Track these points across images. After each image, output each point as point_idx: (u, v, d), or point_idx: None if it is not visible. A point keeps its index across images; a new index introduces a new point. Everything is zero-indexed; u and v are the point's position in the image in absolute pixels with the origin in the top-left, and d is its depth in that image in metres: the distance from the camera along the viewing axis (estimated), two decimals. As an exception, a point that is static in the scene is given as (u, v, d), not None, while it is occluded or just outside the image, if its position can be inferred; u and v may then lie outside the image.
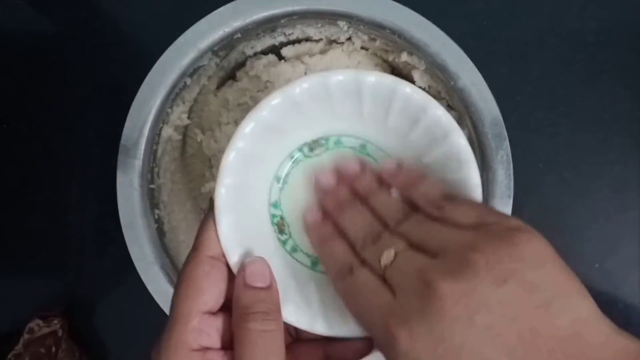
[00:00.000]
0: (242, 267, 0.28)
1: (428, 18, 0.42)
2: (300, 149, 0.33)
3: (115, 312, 0.52)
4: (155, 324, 0.51)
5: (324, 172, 0.32)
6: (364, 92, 0.30)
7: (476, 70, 0.41)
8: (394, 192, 0.30)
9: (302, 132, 0.32)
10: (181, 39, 0.42)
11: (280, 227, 0.33)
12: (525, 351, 0.22)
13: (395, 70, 0.48)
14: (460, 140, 0.30)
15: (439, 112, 0.30)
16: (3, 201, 0.53)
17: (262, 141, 0.30)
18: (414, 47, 0.42)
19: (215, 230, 0.29)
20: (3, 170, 0.53)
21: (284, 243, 0.33)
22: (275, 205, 0.33)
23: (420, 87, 0.45)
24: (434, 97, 0.45)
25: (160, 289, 0.41)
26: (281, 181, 0.33)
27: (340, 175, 0.32)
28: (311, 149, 0.33)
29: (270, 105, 0.29)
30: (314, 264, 0.33)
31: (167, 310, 0.42)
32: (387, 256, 0.26)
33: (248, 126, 0.29)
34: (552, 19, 0.52)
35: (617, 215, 0.51)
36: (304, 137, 0.33)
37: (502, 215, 0.26)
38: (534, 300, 0.22)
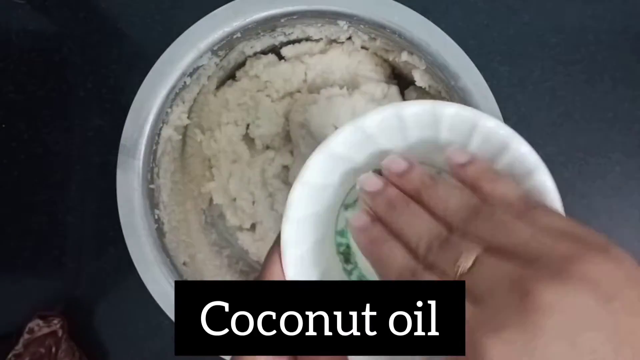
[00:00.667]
0: None
1: (428, 17, 0.42)
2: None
3: (115, 312, 0.52)
4: (155, 324, 0.51)
5: (369, 175, 0.28)
6: (442, 124, 0.28)
7: (476, 70, 0.41)
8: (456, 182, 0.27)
9: (373, 160, 0.31)
10: (181, 39, 0.42)
11: (346, 256, 0.32)
12: None
13: (396, 70, 0.48)
14: (545, 179, 0.29)
15: (523, 149, 0.29)
16: (3, 201, 0.53)
17: (331, 172, 0.29)
18: (415, 46, 0.42)
19: (280, 264, 0.28)
20: (3, 170, 0.53)
21: (349, 273, 0.32)
22: (341, 233, 0.32)
23: (420, 87, 0.45)
24: (434, 96, 0.45)
25: (160, 289, 0.41)
26: (349, 208, 0.32)
27: (388, 175, 0.28)
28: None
29: (341, 138, 0.28)
30: None
31: (167, 310, 0.42)
32: (465, 261, 0.23)
33: (317, 159, 0.28)
34: (553, 18, 0.52)
35: (619, 215, 0.51)
36: (375, 164, 0.30)
37: (590, 229, 0.24)
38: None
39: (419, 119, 0.28)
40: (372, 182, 0.28)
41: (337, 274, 0.31)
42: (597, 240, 0.22)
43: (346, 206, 0.32)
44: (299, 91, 0.46)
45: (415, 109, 0.28)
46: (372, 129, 0.28)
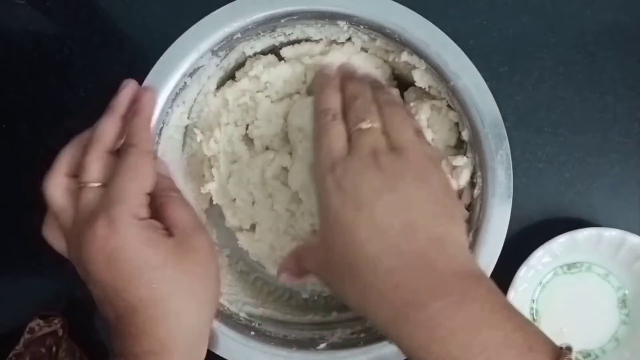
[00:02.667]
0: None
1: (428, 18, 0.42)
2: (561, 267, 0.50)
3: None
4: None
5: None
6: (602, 241, 0.48)
7: (476, 70, 0.41)
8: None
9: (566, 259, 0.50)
10: (181, 39, 0.42)
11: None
12: (407, 234, 0.33)
13: (396, 71, 0.48)
14: None
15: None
16: (3, 201, 0.53)
17: None
18: (414, 47, 0.42)
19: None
20: (4, 170, 0.53)
21: None
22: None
23: (420, 88, 0.45)
24: (434, 97, 0.45)
25: (160, 289, 0.41)
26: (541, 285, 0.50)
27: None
28: (569, 268, 0.50)
29: (536, 257, 0.47)
30: None
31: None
32: (365, 124, 0.37)
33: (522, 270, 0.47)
34: (553, 18, 0.52)
35: (618, 215, 0.51)
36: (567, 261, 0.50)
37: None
38: (430, 207, 0.34)
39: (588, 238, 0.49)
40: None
41: None
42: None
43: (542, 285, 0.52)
44: (298, 92, 0.47)
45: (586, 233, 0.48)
46: (557, 249, 0.49)
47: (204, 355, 0.38)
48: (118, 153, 0.39)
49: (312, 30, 0.45)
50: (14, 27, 0.54)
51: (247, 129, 0.47)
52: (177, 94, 0.44)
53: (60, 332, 0.49)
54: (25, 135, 0.53)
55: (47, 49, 0.53)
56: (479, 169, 0.42)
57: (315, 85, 0.43)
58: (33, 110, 0.53)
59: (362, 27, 0.43)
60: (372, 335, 0.42)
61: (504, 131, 0.41)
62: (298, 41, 0.47)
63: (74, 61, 0.53)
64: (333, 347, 0.42)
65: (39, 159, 0.53)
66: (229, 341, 0.42)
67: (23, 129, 0.53)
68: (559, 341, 0.49)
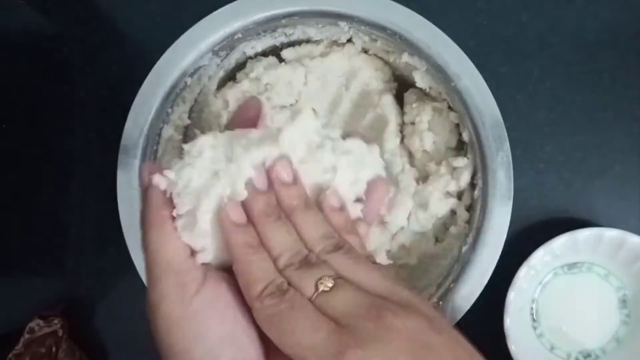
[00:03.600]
0: None
1: (428, 18, 0.42)
2: (562, 267, 0.50)
3: (116, 312, 0.52)
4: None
5: (260, 173, 0.30)
6: (602, 242, 0.47)
7: (476, 71, 0.41)
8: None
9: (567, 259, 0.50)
10: (182, 39, 0.42)
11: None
12: None
13: (396, 72, 0.48)
14: None
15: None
16: (3, 201, 0.53)
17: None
18: (415, 48, 0.42)
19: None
20: (3, 171, 0.53)
21: None
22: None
23: (421, 89, 0.45)
24: (435, 98, 0.45)
25: (160, 290, 0.41)
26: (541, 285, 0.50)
27: (273, 178, 0.31)
28: (569, 268, 0.50)
29: (536, 257, 0.46)
30: None
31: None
32: (327, 282, 0.27)
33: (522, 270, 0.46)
34: (553, 18, 0.52)
35: (618, 215, 0.51)
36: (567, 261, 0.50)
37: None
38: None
39: (588, 238, 0.48)
40: (261, 181, 0.30)
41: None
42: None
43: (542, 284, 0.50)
44: (297, 100, 0.47)
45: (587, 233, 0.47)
46: (558, 250, 0.48)
47: None
48: None
49: (313, 31, 0.45)
50: (14, 27, 0.54)
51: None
52: (177, 94, 0.44)
53: (60, 333, 0.49)
54: (25, 135, 0.53)
55: (47, 48, 0.53)
56: (480, 170, 0.42)
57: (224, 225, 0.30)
58: (33, 110, 0.53)
59: (363, 27, 0.43)
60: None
61: (505, 133, 0.41)
62: (299, 42, 0.47)
63: (74, 61, 0.53)
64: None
65: (39, 159, 0.53)
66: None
67: (23, 129, 0.53)
68: (559, 341, 0.50)
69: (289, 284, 0.28)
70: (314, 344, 0.25)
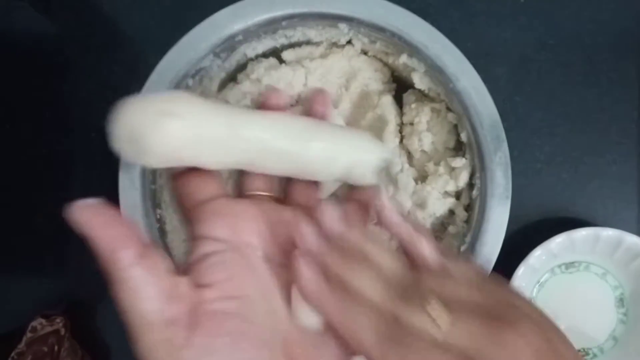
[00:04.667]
0: None
1: (427, 20, 0.42)
2: (559, 266, 0.50)
3: (118, 311, 0.52)
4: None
5: (307, 229, 0.28)
6: (600, 241, 0.47)
7: (475, 72, 0.41)
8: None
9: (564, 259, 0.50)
10: (183, 41, 0.42)
11: None
12: None
13: (395, 73, 0.48)
14: None
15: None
16: (4, 201, 0.53)
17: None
18: (414, 49, 0.42)
19: None
20: (5, 171, 0.53)
21: None
22: None
23: (419, 90, 0.45)
24: (433, 99, 0.46)
25: (162, 289, 0.41)
26: (539, 285, 0.50)
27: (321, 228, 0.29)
28: (567, 268, 0.50)
29: (534, 256, 0.47)
30: None
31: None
32: (444, 319, 0.25)
33: (520, 270, 0.47)
34: (551, 20, 0.52)
35: (616, 215, 0.51)
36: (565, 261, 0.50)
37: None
38: None
39: (585, 238, 0.48)
40: (312, 238, 0.28)
41: None
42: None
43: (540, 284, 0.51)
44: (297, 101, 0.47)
45: (584, 232, 0.47)
46: (555, 249, 0.48)
47: None
48: None
49: (313, 33, 0.46)
50: (15, 29, 0.54)
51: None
52: (178, 95, 0.44)
53: (63, 332, 0.49)
54: (26, 135, 0.53)
55: (49, 50, 0.54)
56: (478, 170, 0.42)
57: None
58: (34, 111, 0.53)
59: (362, 29, 0.43)
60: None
61: (503, 133, 0.41)
62: (299, 43, 0.47)
63: (75, 62, 0.53)
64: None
65: (40, 160, 0.53)
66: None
67: (25, 130, 0.53)
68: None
69: (397, 319, 0.25)
70: None
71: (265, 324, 0.27)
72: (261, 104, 0.33)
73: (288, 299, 0.28)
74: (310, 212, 0.31)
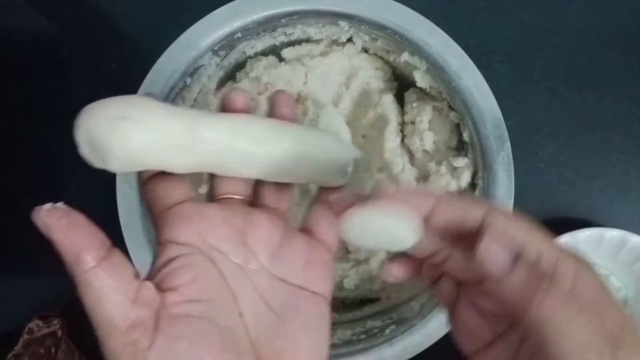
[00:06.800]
0: None
1: (429, 18, 0.42)
2: None
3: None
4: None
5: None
6: (604, 242, 0.47)
7: (477, 70, 0.41)
8: None
9: None
10: (181, 39, 0.42)
11: None
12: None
13: (397, 71, 0.48)
14: None
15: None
16: (3, 201, 0.53)
17: None
18: (415, 47, 0.42)
19: None
20: (3, 170, 0.53)
21: None
22: None
23: (421, 88, 0.45)
24: (435, 98, 0.45)
25: (160, 290, 0.41)
26: None
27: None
28: None
29: None
30: None
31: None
32: None
33: None
34: (553, 18, 0.52)
35: (619, 215, 0.51)
36: None
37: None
38: None
39: (589, 238, 0.48)
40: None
41: None
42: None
43: None
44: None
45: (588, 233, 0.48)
46: None
47: None
48: None
49: (313, 30, 0.45)
50: (13, 27, 0.54)
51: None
52: (177, 93, 0.44)
53: (60, 333, 0.49)
54: (24, 134, 0.53)
55: (47, 48, 0.53)
56: (481, 170, 0.41)
57: None
58: (33, 109, 0.53)
59: (363, 27, 0.43)
60: (371, 337, 0.42)
61: (506, 132, 0.40)
62: (299, 41, 0.47)
63: (73, 60, 0.53)
64: (333, 348, 0.42)
65: (38, 159, 0.53)
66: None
67: (22, 129, 0.53)
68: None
69: None
70: None
71: (234, 327, 0.28)
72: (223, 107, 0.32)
73: (257, 302, 0.29)
74: (280, 214, 0.32)
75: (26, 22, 0.54)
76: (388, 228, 0.27)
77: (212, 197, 0.32)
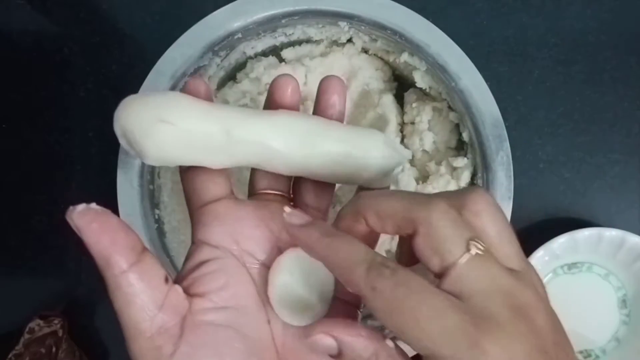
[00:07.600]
0: None
1: (428, 18, 0.42)
2: (562, 267, 0.50)
3: (116, 312, 0.52)
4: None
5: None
6: (602, 242, 0.47)
7: (477, 71, 0.41)
8: None
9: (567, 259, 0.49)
10: (182, 39, 0.42)
11: None
12: None
13: (396, 71, 0.48)
14: None
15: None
16: (3, 201, 0.53)
17: None
18: (415, 47, 0.42)
19: None
20: (3, 170, 0.53)
21: None
22: None
23: (421, 88, 0.45)
24: (435, 98, 0.45)
25: (160, 290, 0.41)
26: None
27: None
28: (570, 268, 0.50)
29: (536, 257, 0.47)
30: None
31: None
32: (478, 247, 0.23)
33: None
34: (553, 18, 0.52)
35: (618, 215, 0.51)
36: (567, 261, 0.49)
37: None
38: None
39: (588, 238, 0.47)
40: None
41: None
42: None
43: None
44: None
45: (587, 233, 0.47)
46: (558, 250, 0.48)
47: None
48: None
49: (313, 31, 0.45)
50: (14, 27, 0.54)
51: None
52: (177, 94, 0.44)
53: (60, 333, 0.49)
54: (25, 135, 0.53)
55: (47, 48, 0.53)
56: (480, 170, 0.42)
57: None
58: (33, 110, 0.53)
59: (363, 27, 0.43)
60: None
61: (505, 132, 0.41)
62: (299, 42, 0.47)
63: (74, 61, 0.53)
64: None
65: (39, 159, 0.53)
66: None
67: (23, 129, 0.53)
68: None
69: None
70: (444, 324, 0.21)
71: (260, 336, 0.27)
72: (268, 98, 0.31)
73: None
74: (318, 214, 0.31)
75: (27, 23, 0.54)
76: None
77: (251, 191, 0.32)
